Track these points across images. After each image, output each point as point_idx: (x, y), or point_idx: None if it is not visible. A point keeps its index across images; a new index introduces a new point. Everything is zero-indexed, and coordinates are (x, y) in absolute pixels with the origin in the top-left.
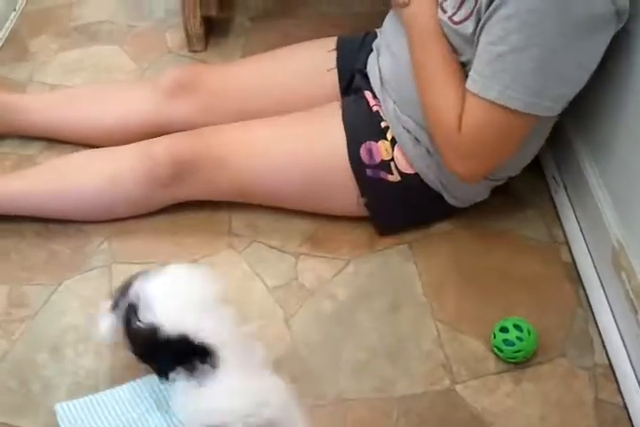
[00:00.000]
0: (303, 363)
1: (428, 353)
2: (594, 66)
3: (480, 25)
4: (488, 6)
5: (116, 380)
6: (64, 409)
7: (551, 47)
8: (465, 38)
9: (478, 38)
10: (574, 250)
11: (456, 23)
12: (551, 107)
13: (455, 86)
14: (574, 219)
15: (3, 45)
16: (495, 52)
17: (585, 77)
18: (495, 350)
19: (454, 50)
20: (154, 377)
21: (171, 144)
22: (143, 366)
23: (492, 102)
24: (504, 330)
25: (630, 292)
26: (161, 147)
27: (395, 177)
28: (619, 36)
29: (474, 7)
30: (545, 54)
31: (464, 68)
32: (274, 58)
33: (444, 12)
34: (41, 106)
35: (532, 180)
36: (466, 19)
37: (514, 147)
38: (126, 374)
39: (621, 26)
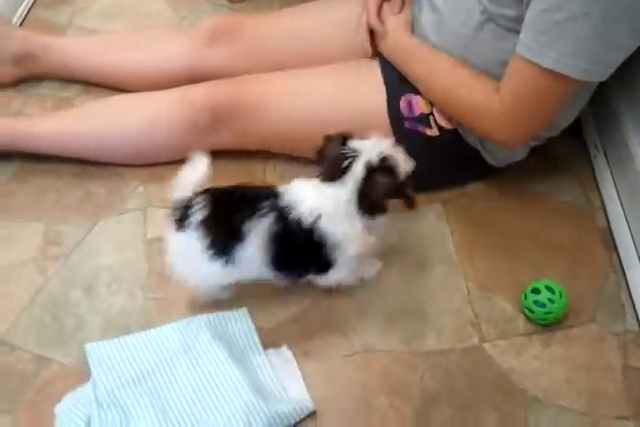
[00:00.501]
0: (332, 313)
1: (457, 310)
2: None
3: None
4: None
5: (146, 321)
6: (94, 349)
7: (608, 14)
8: (511, 20)
9: (529, 1)
10: (610, 216)
11: None
12: (604, 73)
13: (472, 75)
14: (612, 185)
15: None
16: (552, 19)
17: (636, 45)
18: (526, 311)
19: (499, 3)
20: (182, 322)
21: (209, 90)
22: (175, 308)
23: (546, 69)
24: (536, 291)
25: None
26: (199, 93)
27: (433, 131)
28: None
29: None
30: (602, 21)
31: (509, 23)
32: (311, 9)
33: None
34: (79, 49)
35: (571, 144)
36: None
37: (558, 110)
38: (157, 316)
39: None
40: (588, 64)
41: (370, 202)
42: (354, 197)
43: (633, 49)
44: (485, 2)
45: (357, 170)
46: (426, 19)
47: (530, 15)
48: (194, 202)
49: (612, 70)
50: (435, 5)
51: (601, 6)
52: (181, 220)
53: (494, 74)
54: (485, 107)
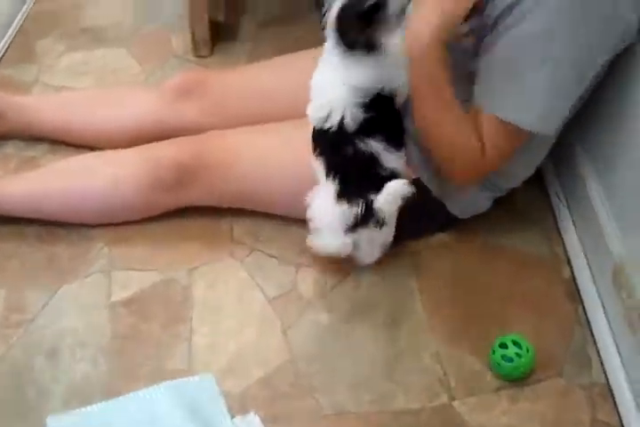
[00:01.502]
0: (300, 374)
1: (425, 368)
2: (587, 81)
3: (487, 42)
4: (494, 25)
5: (110, 388)
6: (55, 422)
7: (559, 65)
8: (465, 52)
9: (482, 56)
10: (575, 267)
11: (458, 38)
12: (555, 122)
13: (460, 116)
14: (575, 235)
15: (10, 46)
16: (508, 71)
17: (580, 92)
18: (493, 366)
19: (452, 63)
20: (147, 390)
21: (174, 149)
22: (139, 375)
23: (502, 120)
24: (503, 346)
25: (630, 310)
26: (165, 151)
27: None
28: (624, 56)
29: (477, 23)
30: (554, 72)
31: (463, 81)
32: (278, 64)
33: None
34: (46, 107)
35: (534, 195)
36: (468, 34)
37: (512, 155)
38: (121, 383)
39: (625, 45)
40: (542, 114)
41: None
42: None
43: (578, 96)
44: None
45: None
46: None
47: (486, 68)
48: None
49: (561, 120)
50: None
51: (552, 58)
52: None
53: None
54: (474, 154)
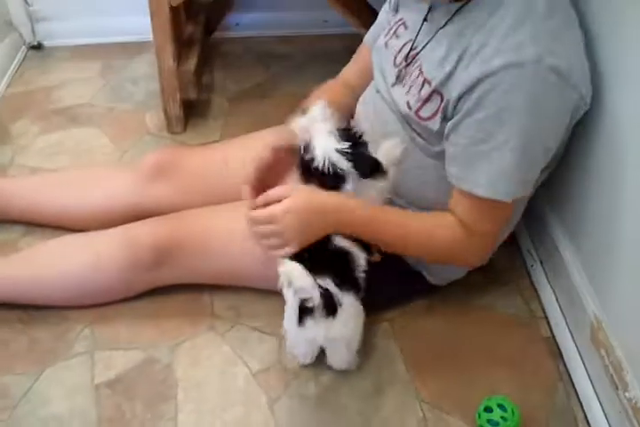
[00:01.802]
0: None
1: None
2: (554, 148)
3: (450, 126)
4: (455, 107)
5: None
6: None
7: (527, 140)
8: (432, 132)
9: (448, 136)
10: (553, 325)
11: (422, 119)
12: (527, 189)
13: (426, 219)
14: (552, 294)
15: None
16: (474, 151)
17: (546, 162)
18: None
19: (425, 141)
20: None
21: (150, 229)
22: None
23: (481, 197)
24: (488, 410)
25: (610, 367)
26: (142, 232)
27: (375, 258)
28: (584, 120)
29: (439, 105)
30: (522, 147)
31: (437, 156)
32: (251, 141)
33: (409, 108)
34: (21, 190)
35: (508, 255)
36: (432, 116)
37: (509, 222)
38: None
39: (584, 111)
40: (516, 186)
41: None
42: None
43: (548, 158)
44: (415, 135)
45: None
46: None
47: (451, 150)
48: None
49: (532, 185)
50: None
51: (519, 135)
52: None
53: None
54: (454, 240)
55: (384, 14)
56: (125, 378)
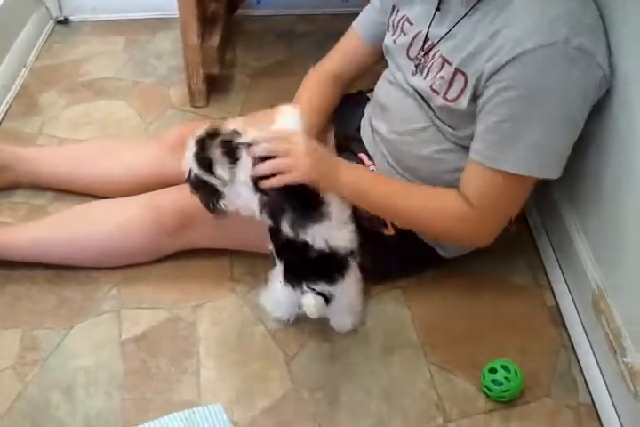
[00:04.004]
0: (303, 403)
1: (421, 393)
2: (582, 125)
3: (481, 104)
4: (485, 86)
5: (124, 421)
6: None
7: (559, 118)
8: (460, 113)
9: (478, 114)
10: (557, 294)
11: (450, 101)
12: (559, 165)
13: (434, 192)
14: (557, 264)
15: (14, 100)
16: (506, 128)
17: (577, 132)
18: (485, 389)
19: (448, 126)
20: (159, 421)
21: (175, 196)
22: (152, 407)
23: (507, 174)
24: (493, 371)
25: (610, 334)
26: (166, 198)
27: (389, 230)
28: (603, 100)
29: (464, 84)
30: (554, 125)
31: (462, 141)
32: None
33: (437, 93)
34: (51, 159)
35: (516, 228)
36: (459, 96)
37: (522, 204)
38: (134, 416)
39: (605, 89)
40: (545, 162)
41: None
42: None
43: (576, 136)
44: (438, 122)
45: None
46: (378, 126)
47: (484, 127)
48: None
49: (565, 161)
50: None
51: (550, 113)
52: None
53: (444, 180)
54: (458, 216)
55: (374, 14)
56: (150, 335)
